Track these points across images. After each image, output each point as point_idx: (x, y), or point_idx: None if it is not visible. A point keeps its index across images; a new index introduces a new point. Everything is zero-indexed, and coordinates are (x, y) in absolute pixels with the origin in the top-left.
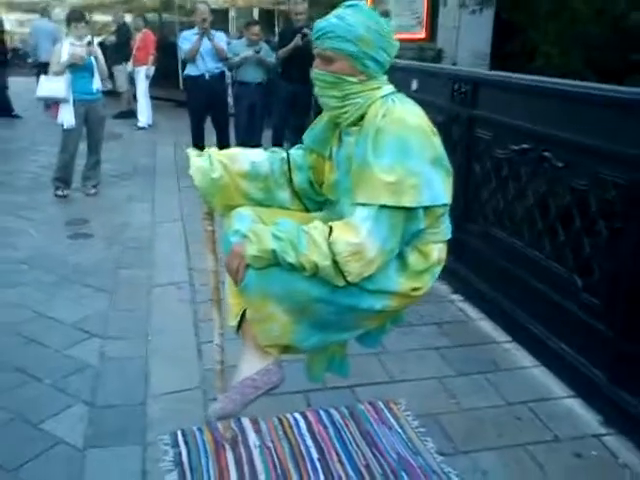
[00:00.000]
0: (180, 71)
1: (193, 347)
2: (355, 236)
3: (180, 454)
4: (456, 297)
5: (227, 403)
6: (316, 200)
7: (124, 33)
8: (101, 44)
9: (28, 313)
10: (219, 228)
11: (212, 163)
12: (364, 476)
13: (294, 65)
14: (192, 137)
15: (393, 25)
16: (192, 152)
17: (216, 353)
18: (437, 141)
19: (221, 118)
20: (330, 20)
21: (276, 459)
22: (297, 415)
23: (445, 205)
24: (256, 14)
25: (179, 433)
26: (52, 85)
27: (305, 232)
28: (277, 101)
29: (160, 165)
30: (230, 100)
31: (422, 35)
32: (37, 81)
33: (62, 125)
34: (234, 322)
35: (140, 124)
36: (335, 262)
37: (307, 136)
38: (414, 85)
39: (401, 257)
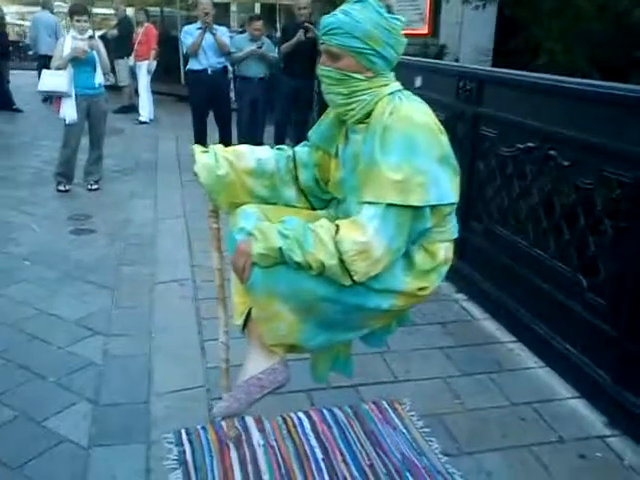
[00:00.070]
0: (182, 66)
1: (196, 345)
2: (362, 235)
3: (184, 453)
4: (460, 296)
5: (232, 402)
6: (322, 198)
7: (126, 27)
8: (102, 37)
9: (31, 310)
10: (224, 226)
11: (218, 160)
12: (368, 476)
13: (296, 60)
14: (194, 132)
15: (403, 21)
16: (197, 148)
17: (221, 351)
18: (444, 139)
19: (223, 113)
20: (337, 16)
21: (280, 459)
22: (301, 414)
23: (452, 204)
24: (258, 8)
25: (183, 432)
26: (54, 79)
27: (311, 230)
28: (279, 96)
29: (162, 160)
30: (232, 95)
31: (424, 31)
32: (39, 75)
33: (64, 120)
34: (240, 321)
35: (141, 119)
36: (341, 261)
37: (313, 133)
38: (418, 82)
39: (407, 256)
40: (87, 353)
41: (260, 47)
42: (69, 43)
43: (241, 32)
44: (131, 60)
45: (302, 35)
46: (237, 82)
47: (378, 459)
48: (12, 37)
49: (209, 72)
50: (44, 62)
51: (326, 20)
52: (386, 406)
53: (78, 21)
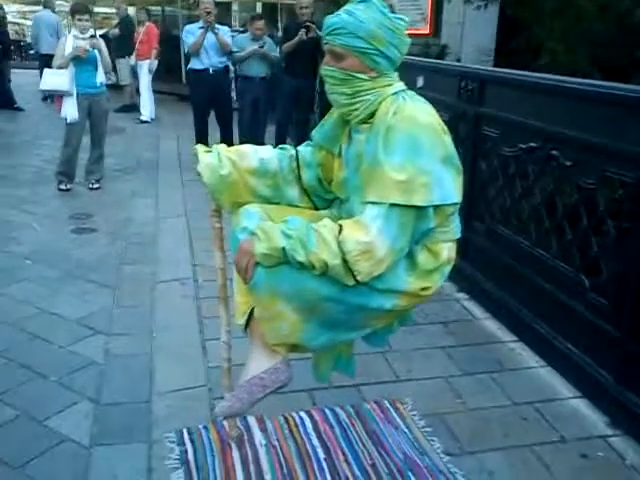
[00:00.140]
0: (183, 65)
1: (198, 344)
2: (365, 235)
3: (186, 452)
4: (461, 295)
5: (235, 402)
6: (325, 198)
7: (127, 26)
8: (103, 36)
9: (32, 309)
10: (227, 225)
11: (221, 160)
12: (370, 476)
13: (298, 60)
14: (195, 132)
15: (407, 21)
16: (200, 148)
17: (223, 351)
18: (448, 139)
19: (225, 113)
20: (341, 16)
21: (282, 458)
22: (303, 414)
23: (455, 204)
24: (259, 8)
25: (185, 431)
26: (56, 78)
27: (315, 230)
28: (281, 96)
29: (163, 159)
30: (234, 95)
31: (426, 31)
32: (40, 74)
33: (65, 119)
34: (242, 320)
35: (143, 118)
36: (345, 261)
37: (316, 133)
38: (420, 82)
39: (410, 256)
40: (88, 352)
41: (262, 47)
42: (71, 42)
43: (243, 31)
44: (132, 59)
45: (304, 35)
46: (238, 81)
47: (380, 459)
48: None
49: (211, 71)
50: (45, 61)
51: (330, 20)
52: (388, 406)
53: (80, 20)
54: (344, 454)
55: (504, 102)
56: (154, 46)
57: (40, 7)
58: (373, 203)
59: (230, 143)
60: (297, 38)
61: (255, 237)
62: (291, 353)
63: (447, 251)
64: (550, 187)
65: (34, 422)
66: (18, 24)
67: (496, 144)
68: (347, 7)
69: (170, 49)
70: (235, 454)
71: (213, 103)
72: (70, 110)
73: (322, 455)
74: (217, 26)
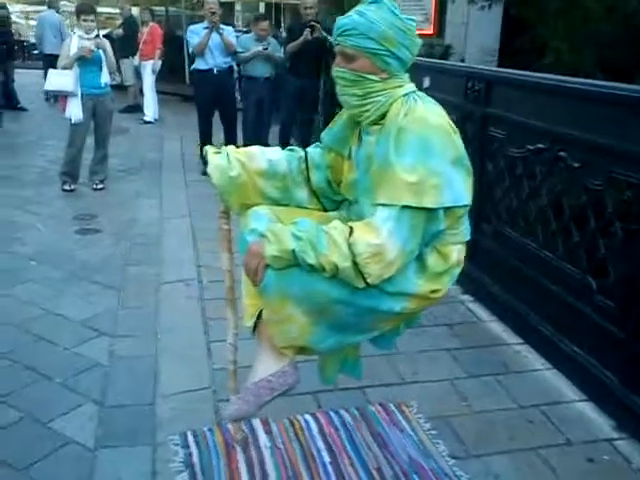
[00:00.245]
0: (187, 65)
1: (203, 346)
2: (376, 237)
3: (191, 455)
4: (466, 297)
5: (242, 404)
6: (333, 199)
7: (131, 26)
8: (107, 37)
9: (37, 310)
10: (235, 227)
11: (230, 161)
12: (376, 479)
13: (302, 60)
14: (200, 133)
15: (416, 21)
16: (210, 149)
17: (229, 353)
18: (458, 141)
19: (229, 113)
20: (352, 17)
21: (287, 461)
22: (308, 417)
23: (466, 206)
24: (262, 8)
25: (189, 434)
26: (61, 79)
27: (325, 232)
28: (285, 96)
29: (167, 160)
30: (238, 95)
31: (430, 31)
32: (45, 74)
33: (70, 119)
34: (250, 322)
35: (146, 118)
36: (355, 263)
37: (326, 135)
38: (426, 82)
39: (420, 258)
40: (93, 354)
41: (266, 48)
42: (75, 42)
43: (246, 32)
44: (136, 60)
45: (308, 34)
46: (243, 82)
47: (385, 461)
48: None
49: (215, 72)
50: (50, 61)
51: (341, 21)
52: (393, 408)
53: (85, 20)
54: (349, 457)
55: (511, 103)
56: (158, 46)
57: (44, 7)
58: (384, 205)
59: (234, 144)
60: (302, 38)
61: (265, 239)
62: (298, 355)
63: (457, 253)
64: (557, 188)
65: (38, 424)
66: (17, 23)
67: (503, 145)
68: (358, 8)
69: (174, 49)
70: (240, 457)
71: (217, 103)
72: (75, 110)
73: (327, 458)
74: (222, 26)
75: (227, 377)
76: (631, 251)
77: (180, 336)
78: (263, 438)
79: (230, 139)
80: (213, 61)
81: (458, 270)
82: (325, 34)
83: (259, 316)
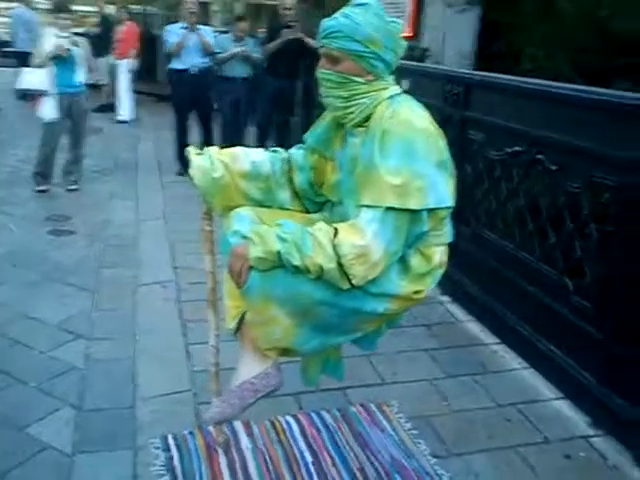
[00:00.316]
0: (162, 65)
1: (181, 348)
2: (361, 238)
3: (172, 458)
4: (445, 298)
5: (225, 407)
6: (316, 201)
7: (107, 25)
8: (83, 35)
9: (11, 313)
10: (217, 228)
11: (213, 162)
12: (358, 479)
13: (281, 61)
14: (176, 132)
15: (401, 24)
16: (192, 150)
17: (211, 355)
18: (442, 143)
19: (206, 113)
20: (338, 19)
21: (270, 463)
22: (289, 418)
23: (449, 208)
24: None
25: (170, 437)
26: (35, 77)
27: (310, 234)
28: (262, 98)
29: (142, 160)
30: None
31: (408, 34)
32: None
33: (43, 118)
34: (232, 324)
35: (120, 118)
36: (340, 265)
37: (309, 136)
38: (404, 85)
39: (403, 260)
40: (69, 357)
41: (244, 50)
42: (50, 40)
43: (224, 32)
44: (111, 58)
45: (288, 35)
46: (218, 82)
47: (367, 462)
48: None
49: (192, 72)
50: (22, 59)
51: (326, 23)
52: (374, 408)
53: (61, 18)
54: (331, 457)
55: (489, 106)
56: (134, 45)
57: (15, 4)
58: (368, 206)
59: (210, 144)
60: (281, 39)
61: (249, 241)
62: (281, 357)
63: (439, 255)
64: (535, 191)
65: (14, 430)
66: None
67: (482, 148)
68: (344, 10)
69: (150, 49)
70: (222, 460)
71: (194, 104)
72: (49, 109)
73: (310, 459)
74: (199, 26)
75: (208, 379)
76: (606, 252)
77: (158, 338)
78: (245, 440)
79: (207, 140)
80: (190, 61)
81: (441, 271)
82: (301, 35)
83: (242, 318)
